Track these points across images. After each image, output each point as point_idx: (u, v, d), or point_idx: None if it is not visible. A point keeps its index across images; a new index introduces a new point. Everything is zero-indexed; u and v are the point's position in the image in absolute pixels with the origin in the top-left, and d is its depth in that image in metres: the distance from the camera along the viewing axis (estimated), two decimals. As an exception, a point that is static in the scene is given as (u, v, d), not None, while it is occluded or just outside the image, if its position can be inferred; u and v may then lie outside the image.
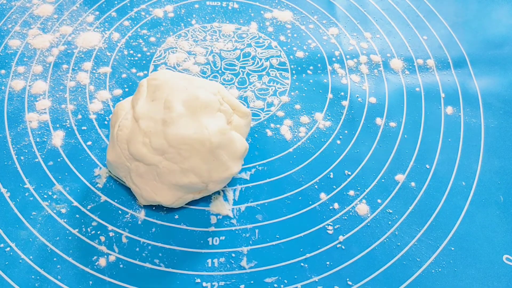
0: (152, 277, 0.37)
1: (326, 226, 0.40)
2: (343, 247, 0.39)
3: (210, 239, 0.39)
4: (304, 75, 0.51)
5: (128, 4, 0.56)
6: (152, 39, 0.53)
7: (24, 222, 0.39)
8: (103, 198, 0.41)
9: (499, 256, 0.39)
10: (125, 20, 0.54)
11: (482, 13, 0.58)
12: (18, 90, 0.48)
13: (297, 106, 0.48)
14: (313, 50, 0.53)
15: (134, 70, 0.50)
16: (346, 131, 0.46)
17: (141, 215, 0.40)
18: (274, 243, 0.39)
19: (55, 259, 0.37)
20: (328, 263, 0.38)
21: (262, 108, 0.48)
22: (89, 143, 0.44)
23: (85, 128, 0.45)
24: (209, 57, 0.51)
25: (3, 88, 0.48)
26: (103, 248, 0.38)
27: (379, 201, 0.42)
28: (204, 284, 0.37)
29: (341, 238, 0.39)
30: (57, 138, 0.44)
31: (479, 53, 0.53)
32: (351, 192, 0.42)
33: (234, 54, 0.52)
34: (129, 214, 0.40)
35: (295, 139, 0.45)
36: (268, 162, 0.44)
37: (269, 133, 0.46)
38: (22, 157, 0.43)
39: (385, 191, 0.42)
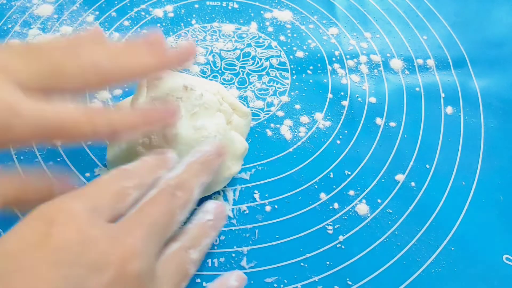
0: (152, 277, 0.37)
1: (326, 226, 0.40)
2: (343, 247, 0.39)
3: (210, 239, 0.39)
4: (304, 75, 0.50)
5: (128, 4, 0.56)
6: (152, 39, 0.53)
7: (24, 222, 0.39)
8: (103, 198, 0.41)
9: (499, 256, 0.39)
10: (125, 20, 0.54)
11: (482, 13, 0.58)
12: (18, 90, 0.48)
13: (297, 106, 0.48)
14: (313, 50, 0.53)
15: (134, 70, 0.50)
16: (346, 131, 0.46)
17: (141, 215, 0.40)
18: (274, 243, 0.39)
19: (55, 259, 0.37)
20: (328, 263, 0.38)
21: (262, 108, 0.48)
22: (89, 143, 0.44)
23: (85, 128, 0.45)
24: (209, 57, 0.51)
25: (3, 88, 0.48)
26: (103, 248, 0.38)
27: (379, 201, 0.42)
28: (204, 284, 0.37)
29: (341, 238, 0.39)
30: (57, 138, 0.44)
31: (479, 53, 0.53)
32: (351, 192, 0.42)
33: (234, 54, 0.52)
34: (129, 214, 0.40)
35: (295, 139, 0.45)
36: (268, 162, 0.44)
37: (269, 133, 0.46)
38: (22, 157, 0.43)
39: (385, 191, 0.42)
